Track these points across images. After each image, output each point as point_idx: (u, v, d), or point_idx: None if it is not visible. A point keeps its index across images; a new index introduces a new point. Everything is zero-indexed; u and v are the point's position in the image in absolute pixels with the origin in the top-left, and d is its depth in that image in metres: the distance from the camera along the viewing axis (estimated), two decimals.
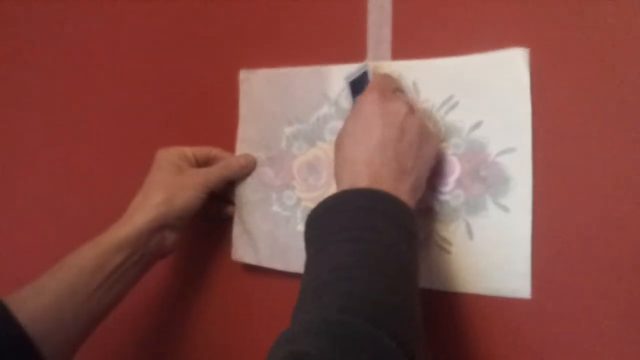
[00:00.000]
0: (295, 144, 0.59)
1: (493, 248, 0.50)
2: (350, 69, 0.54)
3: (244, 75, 0.62)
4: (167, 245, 0.56)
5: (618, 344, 0.46)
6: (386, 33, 0.55)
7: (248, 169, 0.61)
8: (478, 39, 0.52)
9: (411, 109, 0.47)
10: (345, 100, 0.56)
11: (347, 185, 0.44)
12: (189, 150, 0.59)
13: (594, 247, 0.47)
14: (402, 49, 0.55)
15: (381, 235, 0.40)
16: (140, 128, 0.69)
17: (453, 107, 0.52)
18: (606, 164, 0.47)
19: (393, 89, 0.50)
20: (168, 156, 0.57)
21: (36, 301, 0.48)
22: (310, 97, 0.58)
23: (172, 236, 0.56)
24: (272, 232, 0.59)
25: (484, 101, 0.51)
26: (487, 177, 0.50)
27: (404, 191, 0.44)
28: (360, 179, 0.44)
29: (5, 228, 0.79)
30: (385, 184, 0.43)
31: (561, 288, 0.48)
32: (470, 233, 0.51)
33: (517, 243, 0.49)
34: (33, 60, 0.78)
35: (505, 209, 0.49)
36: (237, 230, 0.61)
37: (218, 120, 0.64)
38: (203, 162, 0.61)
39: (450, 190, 0.52)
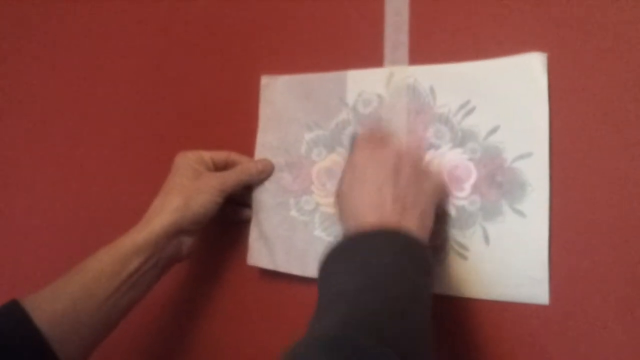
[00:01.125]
0: (314, 149, 0.60)
1: (510, 254, 0.50)
2: (353, 131, 0.57)
3: (265, 81, 0.63)
4: (183, 249, 0.57)
5: (636, 349, 0.46)
6: (403, 38, 0.56)
7: (265, 173, 0.61)
8: (495, 44, 0.52)
9: (400, 151, 0.49)
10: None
11: (352, 228, 0.45)
12: (207, 155, 0.60)
13: (612, 252, 0.47)
14: (419, 53, 0.55)
15: (392, 267, 0.40)
16: (161, 132, 0.71)
17: (470, 112, 0.52)
18: (624, 169, 0.46)
19: (379, 137, 0.52)
20: (186, 160, 0.58)
21: (53, 304, 0.49)
22: (329, 103, 0.59)
23: (188, 240, 0.57)
24: (290, 237, 0.60)
25: (501, 106, 0.51)
26: (503, 183, 0.50)
27: (412, 225, 0.44)
28: (366, 220, 0.44)
29: (25, 232, 0.80)
30: (390, 221, 0.44)
31: (580, 294, 0.48)
32: (486, 238, 0.51)
33: (534, 248, 0.48)
34: (52, 65, 0.80)
35: (521, 214, 0.49)
36: (253, 235, 0.62)
37: (238, 125, 0.65)
38: (221, 166, 0.61)
39: (467, 196, 0.52)
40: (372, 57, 0.57)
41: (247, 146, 0.63)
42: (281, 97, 0.62)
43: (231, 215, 0.64)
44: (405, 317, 0.38)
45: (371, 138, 0.52)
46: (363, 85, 0.57)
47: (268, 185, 0.62)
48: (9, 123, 0.83)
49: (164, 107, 0.71)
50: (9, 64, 0.84)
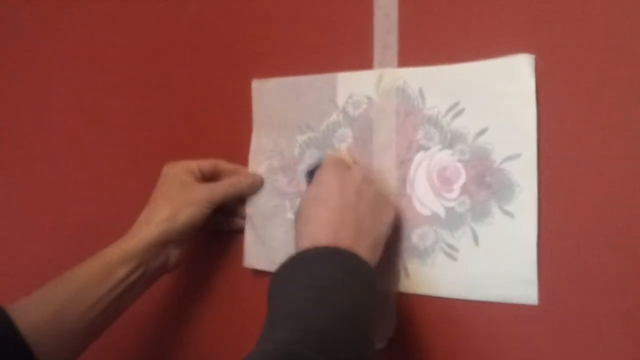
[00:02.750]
0: (307, 151, 0.60)
1: (499, 254, 0.50)
2: (308, 161, 0.59)
3: (256, 84, 0.63)
4: (171, 260, 0.58)
5: (627, 349, 0.46)
6: (392, 40, 0.56)
7: (254, 188, 0.62)
8: (484, 46, 0.52)
9: (366, 177, 0.50)
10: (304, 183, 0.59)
11: (307, 244, 0.45)
12: (194, 164, 0.60)
13: (600, 252, 0.47)
14: (408, 55, 0.55)
15: (337, 281, 0.41)
16: (153, 137, 0.71)
17: (459, 113, 0.52)
18: (611, 170, 0.46)
19: (347, 163, 0.53)
20: (174, 171, 0.58)
21: (39, 310, 0.50)
22: (320, 105, 0.59)
23: (176, 251, 0.58)
24: (287, 239, 0.60)
25: (490, 107, 0.51)
26: (492, 184, 0.50)
27: (363, 250, 0.45)
28: (320, 238, 0.45)
29: (14, 241, 0.81)
30: (344, 243, 0.44)
31: (569, 294, 0.48)
32: (476, 239, 0.51)
33: (523, 249, 0.49)
34: (42, 71, 0.81)
35: (510, 215, 0.49)
36: (249, 238, 0.63)
37: (230, 129, 0.65)
38: (209, 175, 0.61)
39: (456, 197, 0.52)
40: (361, 59, 0.57)
41: (239, 150, 0.64)
42: (272, 100, 0.62)
43: (221, 225, 0.64)
44: (352, 336, 0.38)
45: (340, 160, 0.53)
46: (353, 87, 0.57)
47: (263, 189, 0.62)
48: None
49: (155, 112, 0.71)
50: (6, 69, 0.84)
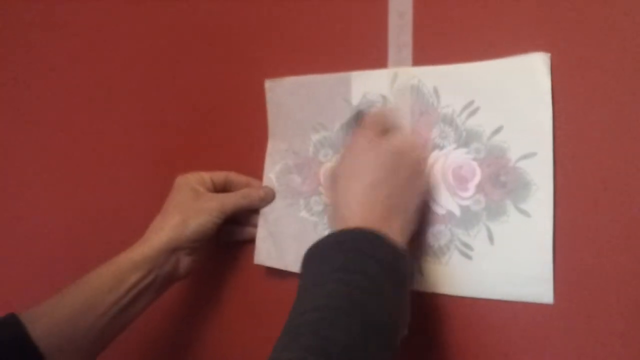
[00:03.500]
0: (322, 151, 0.60)
1: (514, 253, 0.50)
2: (357, 109, 0.57)
3: (269, 84, 0.63)
4: (181, 267, 0.58)
5: None
6: (407, 39, 0.56)
7: (266, 201, 0.62)
8: (499, 44, 0.51)
9: (401, 147, 0.49)
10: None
11: (340, 225, 0.45)
12: (207, 175, 0.61)
13: (616, 251, 0.46)
14: (423, 54, 0.55)
15: (370, 281, 0.40)
16: (166, 140, 0.71)
17: (474, 112, 0.52)
18: (627, 169, 0.46)
19: (384, 128, 0.51)
20: (186, 181, 0.59)
21: (51, 317, 0.50)
22: (334, 104, 0.59)
23: (186, 259, 0.58)
24: (300, 238, 0.60)
25: (505, 106, 0.51)
26: (507, 182, 0.50)
27: (396, 229, 0.45)
28: (352, 220, 0.45)
29: (25, 253, 0.82)
30: (377, 224, 0.44)
31: (584, 293, 0.48)
32: (491, 238, 0.51)
33: (539, 248, 0.49)
34: (52, 74, 0.81)
35: (526, 213, 0.49)
36: (261, 235, 0.63)
37: (244, 130, 0.66)
38: (221, 187, 0.62)
39: (471, 196, 0.52)
40: (376, 58, 0.57)
41: (254, 151, 0.64)
42: (286, 99, 0.62)
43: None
44: (377, 348, 0.38)
45: (377, 123, 0.51)
46: (367, 86, 0.57)
47: (278, 187, 0.62)
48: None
49: (168, 113, 0.71)
50: (8, 73, 0.85)
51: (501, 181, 0.50)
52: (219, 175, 0.62)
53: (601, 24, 0.47)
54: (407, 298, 0.43)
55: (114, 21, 0.76)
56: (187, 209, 0.57)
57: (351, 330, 0.37)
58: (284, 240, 0.61)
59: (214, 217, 0.57)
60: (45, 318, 0.50)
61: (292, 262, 0.61)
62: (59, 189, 0.80)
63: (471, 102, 0.52)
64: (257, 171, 0.64)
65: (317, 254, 0.44)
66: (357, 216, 0.45)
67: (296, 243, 0.60)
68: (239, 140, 0.66)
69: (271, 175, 0.63)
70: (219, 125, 0.68)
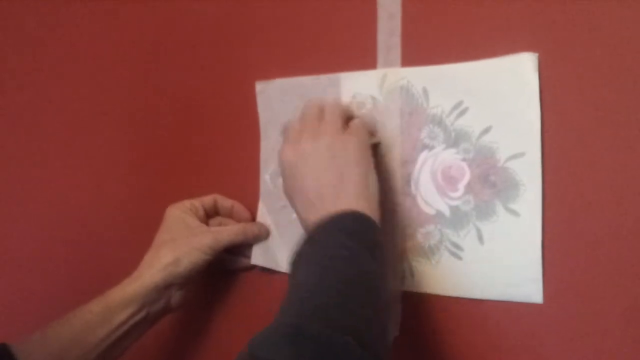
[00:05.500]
0: None
1: (504, 253, 0.50)
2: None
3: (260, 87, 0.63)
4: (173, 301, 0.58)
5: (631, 348, 0.46)
6: (396, 40, 0.56)
7: (260, 238, 0.62)
8: (487, 45, 0.52)
9: (338, 137, 0.50)
10: None
11: (314, 215, 0.47)
12: (197, 202, 0.61)
13: (605, 251, 0.47)
14: (412, 55, 0.55)
15: (348, 250, 0.42)
16: (156, 143, 0.71)
17: (463, 112, 0.52)
18: (616, 168, 0.46)
19: (320, 115, 0.52)
20: (177, 213, 0.59)
21: (42, 350, 0.51)
22: None
23: (177, 294, 0.58)
24: (293, 239, 0.60)
25: (493, 106, 0.51)
26: (496, 182, 0.50)
27: (364, 207, 0.46)
28: (321, 211, 0.46)
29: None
30: (342, 205, 0.46)
31: (574, 293, 0.48)
32: (480, 238, 0.51)
33: (528, 248, 0.49)
34: (44, 81, 0.81)
35: (515, 213, 0.49)
36: None
37: (236, 133, 0.66)
38: (212, 211, 0.63)
39: (460, 196, 0.52)
40: (365, 59, 0.57)
41: (247, 152, 0.64)
42: (277, 101, 0.62)
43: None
44: (363, 307, 0.39)
45: (311, 115, 0.53)
46: (356, 87, 0.57)
47: (273, 188, 0.62)
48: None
49: (159, 115, 0.71)
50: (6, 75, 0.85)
51: (490, 181, 0.51)
52: (208, 200, 0.62)
53: (589, 23, 0.47)
54: (385, 265, 0.45)
55: (103, 23, 0.76)
56: (180, 245, 0.56)
57: (339, 291, 0.39)
58: (278, 241, 0.62)
59: (206, 255, 0.57)
60: (36, 351, 0.51)
61: (285, 262, 0.61)
62: (52, 189, 0.80)
63: (460, 103, 0.52)
64: (250, 172, 0.64)
65: (299, 253, 0.46)
66: (325, 205, 0.47)
67: (290, 244, 0.60)
68: (232, 142, 0.66)
69: (266, 176, 0.63)
70: (210, 127, 0.68)
